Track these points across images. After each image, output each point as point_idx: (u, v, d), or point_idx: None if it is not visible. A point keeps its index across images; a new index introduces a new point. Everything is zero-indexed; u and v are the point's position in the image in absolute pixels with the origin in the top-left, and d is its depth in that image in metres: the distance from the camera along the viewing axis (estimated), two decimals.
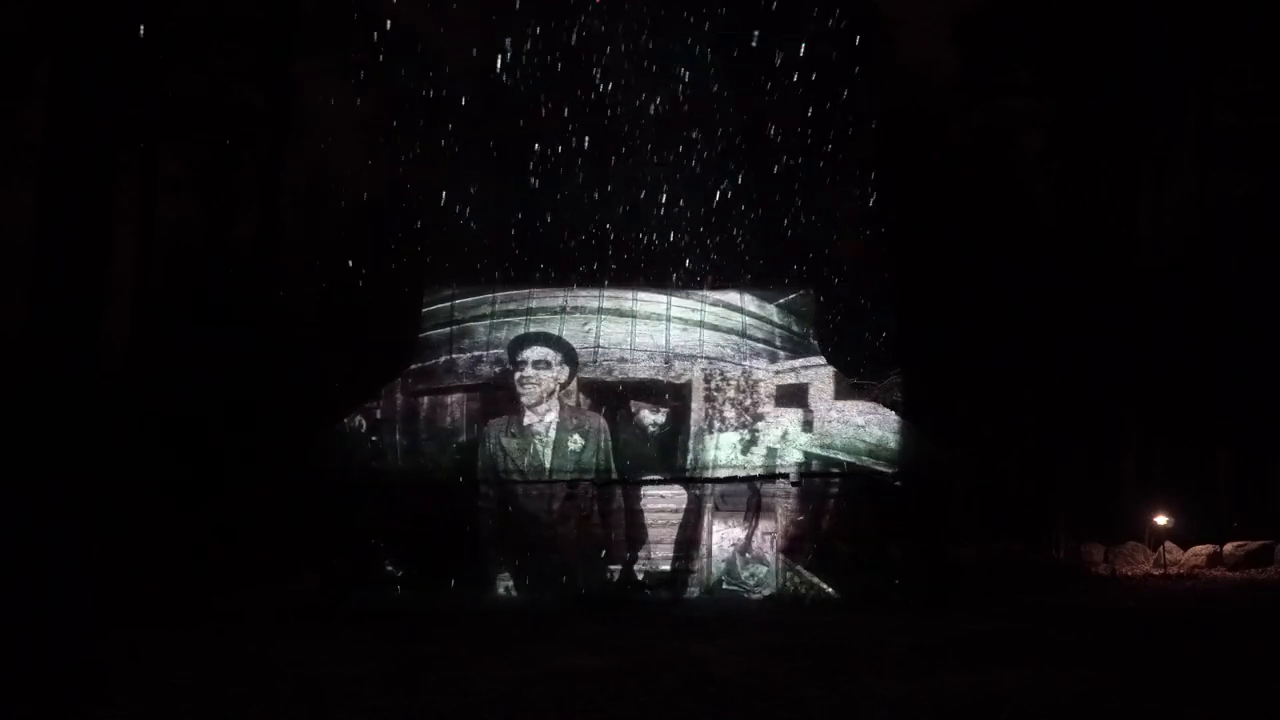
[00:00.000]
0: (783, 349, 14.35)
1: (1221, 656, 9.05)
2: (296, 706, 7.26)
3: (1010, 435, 22.28)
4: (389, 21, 19.17)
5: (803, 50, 18.48)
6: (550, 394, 13.91)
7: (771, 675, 8.18)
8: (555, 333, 14.40)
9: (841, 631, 10.56)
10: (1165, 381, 21.73)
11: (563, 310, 14.62)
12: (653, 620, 11.65)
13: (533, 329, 14.53)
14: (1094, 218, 22.79)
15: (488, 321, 14.56)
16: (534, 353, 14.09)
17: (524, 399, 13.88)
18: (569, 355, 14.09)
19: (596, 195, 17.05)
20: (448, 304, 14.75)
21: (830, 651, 9.23)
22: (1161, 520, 17.88)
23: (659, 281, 15.50)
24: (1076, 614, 11.97)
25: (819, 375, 13.92)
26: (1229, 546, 17.69)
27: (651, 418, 13.86)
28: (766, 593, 13.30)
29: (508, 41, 16.48)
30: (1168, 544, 17.72)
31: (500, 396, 14.03)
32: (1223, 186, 23.03)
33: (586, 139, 17.08)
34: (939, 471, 14.48)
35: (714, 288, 15.14)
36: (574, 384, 14.06)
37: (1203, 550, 17.69)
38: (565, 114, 17.31)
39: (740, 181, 17.72)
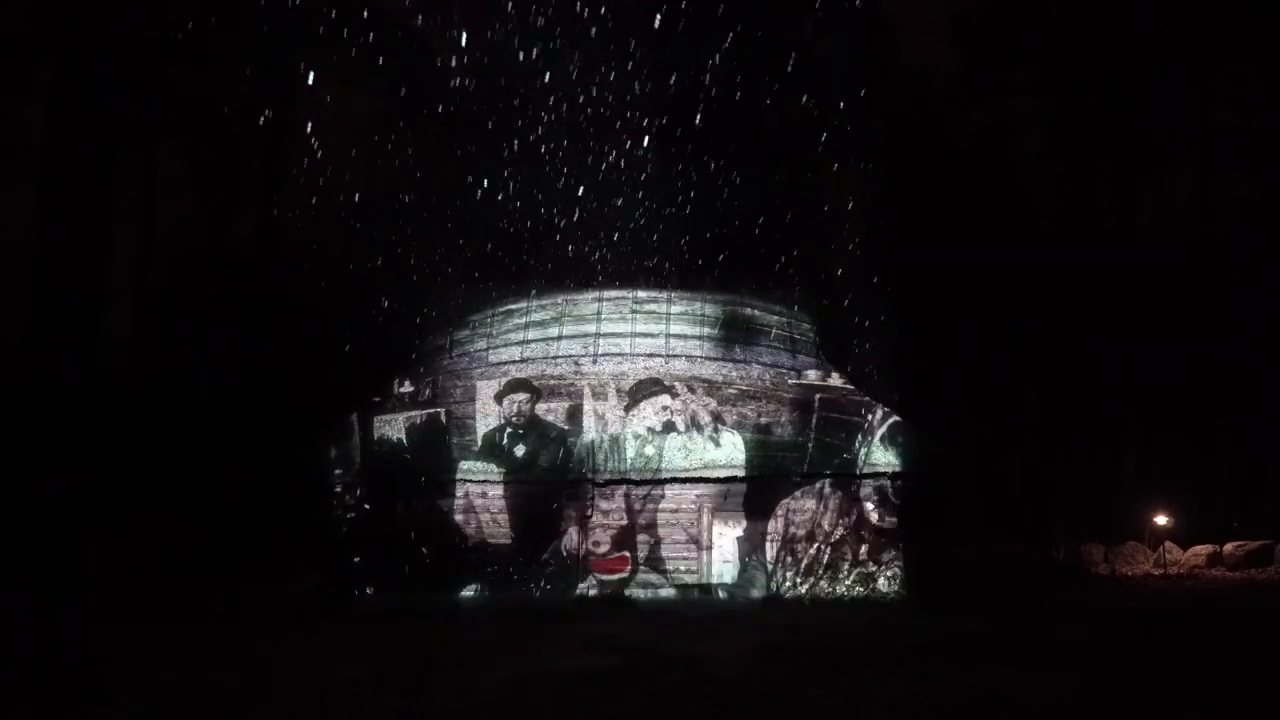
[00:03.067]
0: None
1: (1221, 656, 9.05)
2: (296, 706, 7.27)
3: (1010, 435, 22.29)
4: (388, 20, 19.19)
5: (804, 51, 18.48)
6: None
7: (771, 675, 8.18)
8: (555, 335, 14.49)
9: (841, 631, 10.56)
10: (1165, 381, 21.73)
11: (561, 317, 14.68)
12: (653, 620, 11.65)
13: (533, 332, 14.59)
14: (1094, 218, 22.78)
15: (490, 326, 14.61)
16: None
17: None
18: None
19: (592, 195, 17.02)
20: (450, 305, 14.81)
21: (830, 651, 9.23)
22: (1161, 520, 17.88)
23: (654, 282, 15.46)
24: (1076, 614, 11.96)
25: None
26: (1229, 546, 17.69)
27: (639, 419, 13.91)
28: (757, 593, 13.26)
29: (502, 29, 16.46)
30: (1168, 544, 17.71)
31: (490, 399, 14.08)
32: (1223, 186, 23.02)
33: (582, 137, 17.05)
34: (939, 472, 14.48)
35: (713, 288, 15.12)
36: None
37: (1203, 550, 17.69)
38: (561, 111, 17.28)
39: (740, 182, 17.70)
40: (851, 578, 13.29)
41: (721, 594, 13.34)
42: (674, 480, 13.55)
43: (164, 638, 10.63)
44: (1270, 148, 21.86)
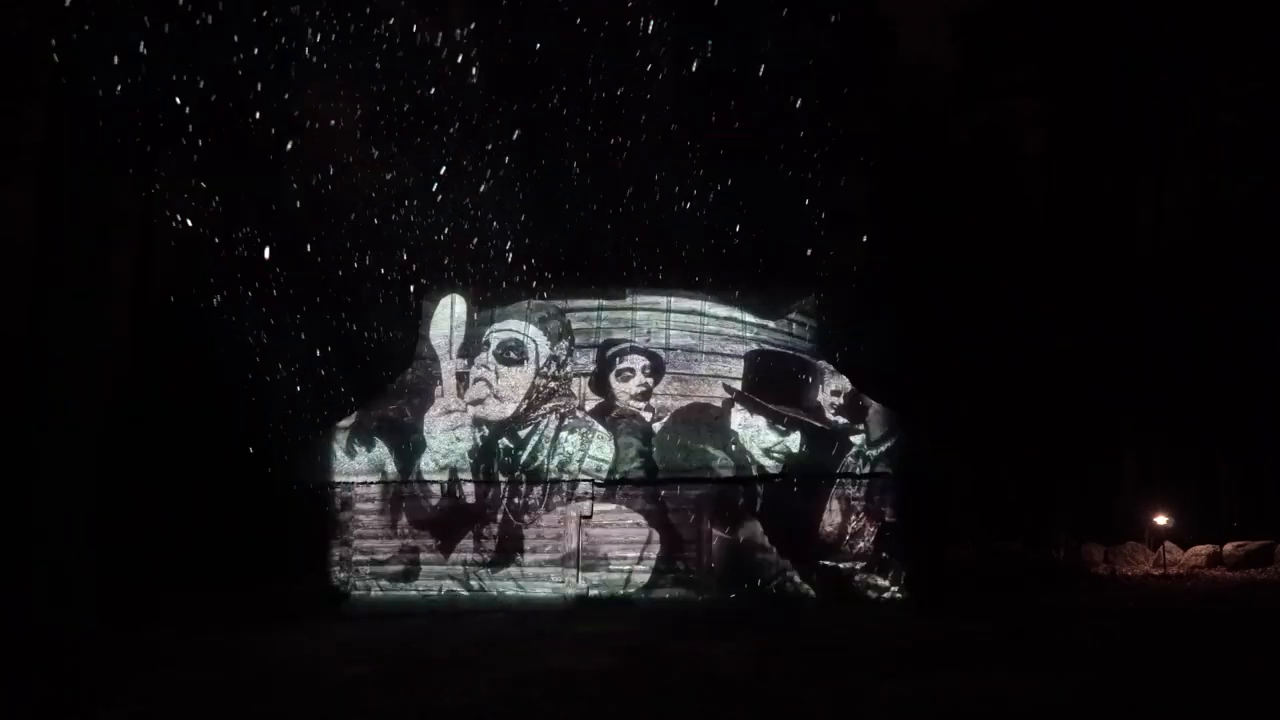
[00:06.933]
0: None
1: (1221, 656, 9.05)
2: (296, 706, 7.27)
3: (1010, 435, 22.27)
4: (390, 22, 19.15)
5: (804, 49, 18.46)
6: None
7: (771, 675, 8.18)
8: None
9: (841, 631, 10.57)
10: (1165, 381, 21.73)
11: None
12: (653, 620, 11.65)
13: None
14: (1094, 218, 22.78)
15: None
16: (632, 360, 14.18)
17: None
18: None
19: (594, 196, 17.01)
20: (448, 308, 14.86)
21: (830, 651, 9.23)
22: (1161, 520, 17.87)
23: (654, 286, 15.44)
24: (1076, 614, 11.96)
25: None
26: (1229, 546, 17.68)
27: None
28: (756, 593, 13.23)
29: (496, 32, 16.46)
30: (1168, 544, 17.70)
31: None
32: (1223, 186, 23.01)
33: (584, 138, 17.03)
34: (939, 472, 14.47)
35: (714, 290, 15.10)
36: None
37: (1203, 550, 17.68)
38: (562, 114, 17.25)
39: (738, 184, 17.68)
40: (851, 578, 13.27)
41: (720, 594, 13.31)
42: (674, 480, 13.53)
43: (163, 638, 10.64)
44: (1270, 148, 21.86)
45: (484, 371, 14.17)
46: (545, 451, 13.68)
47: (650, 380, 14.03)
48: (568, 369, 14.17)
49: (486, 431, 13.82)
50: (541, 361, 14.23)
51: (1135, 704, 7.10)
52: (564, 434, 13.71)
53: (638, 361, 14.20)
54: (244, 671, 8.62)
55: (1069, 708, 6.99)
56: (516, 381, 14.09)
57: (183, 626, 11.41)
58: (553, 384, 14.06)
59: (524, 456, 13.67)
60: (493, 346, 14.34)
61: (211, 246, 20.09)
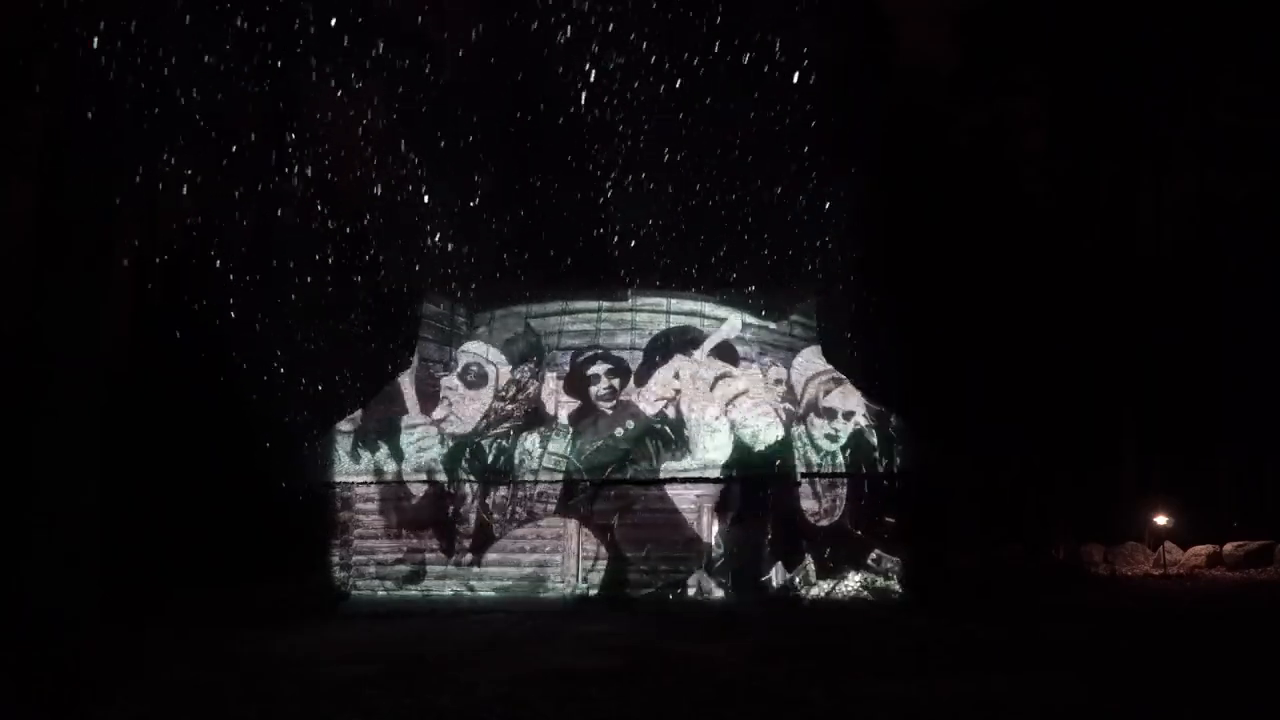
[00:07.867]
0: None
1: (1221, 656, 9.06)
2: (296, 706, 7.26)
3: (1010, 436, 22.29)
4: (390, 21, 19.14)
5: (805, 49, 18.44)
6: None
7: (771, 675, 8.18)
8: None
9: (841, 632, 10.57)
10: (1165, 382, 21.74)
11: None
12: (653, 620, 11.65)
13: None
14: (1094, 219, 22.79)
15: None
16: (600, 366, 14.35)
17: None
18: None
19: (590, 198, 17.01)
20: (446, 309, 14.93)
21: (830, 651, 9.23)
22: (1161, 520, 17.87)
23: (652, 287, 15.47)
24: (1076, 615, 11.97)
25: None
26: (1229, 546, 17.69)
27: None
28: (756, 594, 13.23)
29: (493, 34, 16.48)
30: (1167, 544, 17.71)
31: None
32: (1223, 186, 23.03)
33: (580, 141, 17.03)
34: (939, 474, 14.46)
35: (715, 291, 15.11)
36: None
37: (1202, 550, 17.69)
38: (560, 117, 17.25)
39: (739, 185, 17.68)
40: (851, 579, 13.27)
41: (720, 595, 13.31)
42: (673, 480, 13.52)
43: (162, 638, 10.64)
44: (1270, 148, 21.86)
45: (479, 372, 14.24)
46: (544, 453, 13.66)
47: (617, 382, 14.17)
48: (561, 371, 14.27)
49: (487, 431, 13.81)
50: (525, 370, 14.42)
51: (1135, 704, 7.11)
52: (562, 435, 13.71)
53: (602, 366, 14.35)
54: (244, 671, 8.62)
55: (1068, 709, 6.99)
56: (511, 384, 14.15)
57: (183, 626, 11.41)
58: (538, 383, 14.13)
59: (522, 458, 13.65)
60: (487, 353, 14.51)
61: (211, 246, 20.10)
